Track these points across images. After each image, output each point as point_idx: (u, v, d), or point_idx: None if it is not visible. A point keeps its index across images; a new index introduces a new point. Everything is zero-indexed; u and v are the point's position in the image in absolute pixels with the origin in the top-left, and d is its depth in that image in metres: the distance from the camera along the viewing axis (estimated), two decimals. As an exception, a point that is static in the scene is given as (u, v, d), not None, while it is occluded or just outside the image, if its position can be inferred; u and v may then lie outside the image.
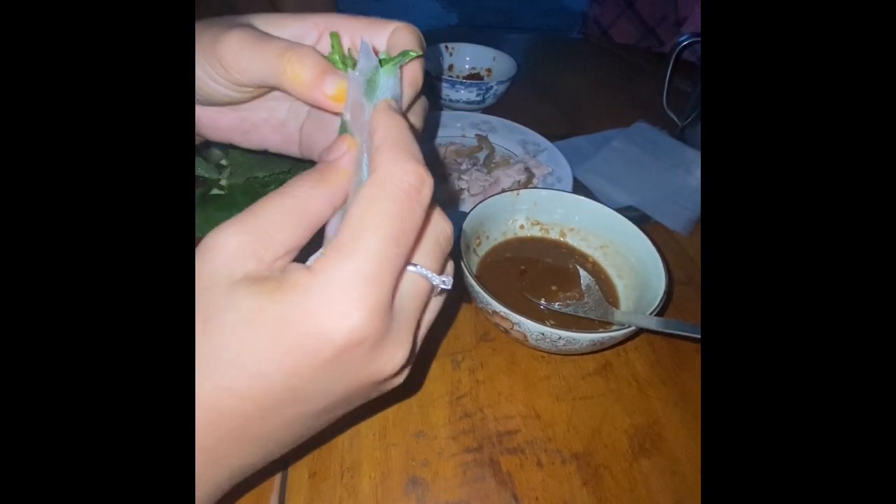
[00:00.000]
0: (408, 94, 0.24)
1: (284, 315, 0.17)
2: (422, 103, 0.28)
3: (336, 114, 0.23)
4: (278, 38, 0.23)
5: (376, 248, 0.18)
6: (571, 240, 0.47)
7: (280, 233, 0.19)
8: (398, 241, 0.18)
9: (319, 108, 0.23)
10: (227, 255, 0.18)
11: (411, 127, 0.22)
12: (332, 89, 0.22)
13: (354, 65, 0.23)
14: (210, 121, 0.28)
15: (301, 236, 0.20)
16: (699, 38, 0.62)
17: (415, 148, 0.20)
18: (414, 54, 0.24)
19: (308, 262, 0.20)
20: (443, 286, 0.21)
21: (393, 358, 0.19)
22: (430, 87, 0.66)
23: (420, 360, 0.21)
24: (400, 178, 0.18)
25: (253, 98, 0.27)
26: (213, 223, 0.45)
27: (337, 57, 0.24)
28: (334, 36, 0.24)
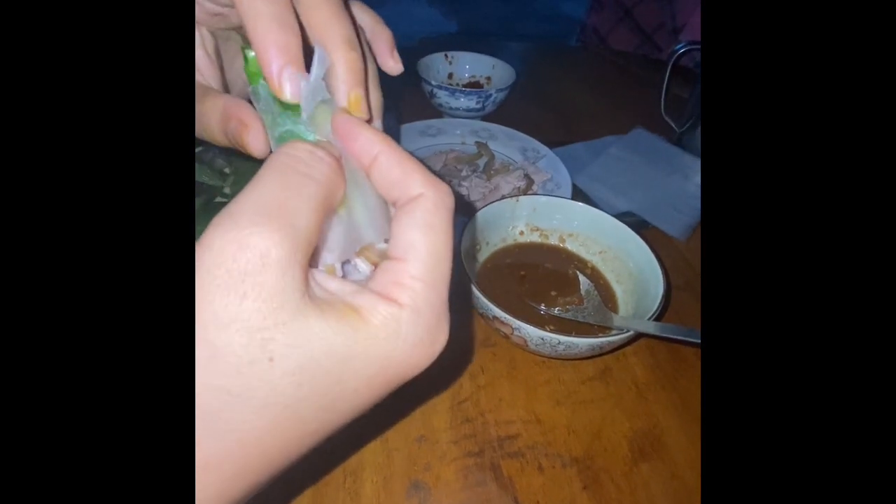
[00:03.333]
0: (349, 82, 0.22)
1: (390, 355, 0.17)
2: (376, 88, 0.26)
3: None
4: None
5: (448, 275, 0.19)
6: (571, 245, 0.47)
7: (314, 235, 0.17)
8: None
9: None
10: (274, 268, 0.15)
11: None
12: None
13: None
14: None
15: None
16: (696, 46, 0.63)
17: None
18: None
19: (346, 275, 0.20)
20: None
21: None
22: (430, 95, 0.67)
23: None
24: (446, 202, 0.19)
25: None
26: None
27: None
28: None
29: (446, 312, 0.19)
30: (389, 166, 0.19)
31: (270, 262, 0.15)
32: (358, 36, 0.22)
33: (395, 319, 0.17)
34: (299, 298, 0.16)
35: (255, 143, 0.22)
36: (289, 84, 0.19)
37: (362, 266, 0.21)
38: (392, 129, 0.57)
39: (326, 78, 0.21)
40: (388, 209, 0.21)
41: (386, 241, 0.20)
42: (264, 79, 0.20)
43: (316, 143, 0.19)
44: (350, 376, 0.16)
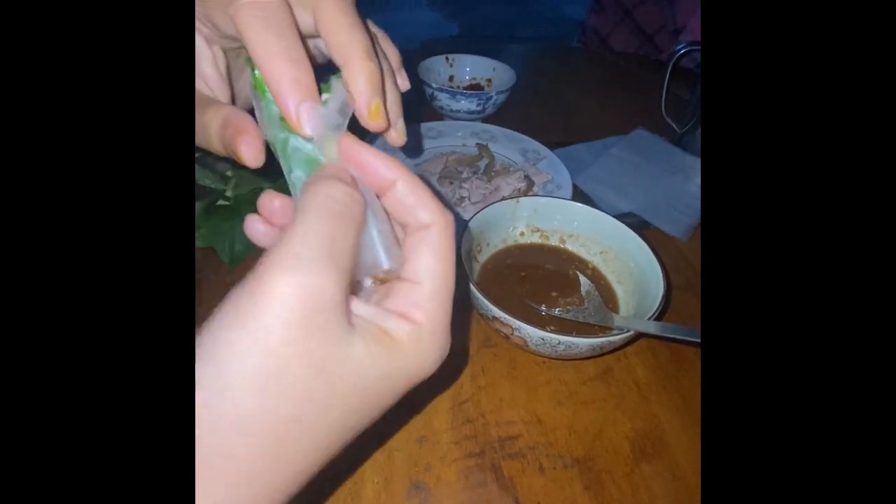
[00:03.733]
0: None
1: (413, 369, 0.20)
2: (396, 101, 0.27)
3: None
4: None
5: (453, 292, 0.21)
6: (571, 246, 0.48)
7: (352, 271, 0.19)
8: None
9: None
10: (330, 306, 0.17)
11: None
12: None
13: None
14: None
15: None
16: (697, 47, 0.63)
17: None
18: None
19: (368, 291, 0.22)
20: None
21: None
22: (431, 98, 0.67)
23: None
24: (452, 229, 0.21)
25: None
26: (219, 233, 0.46)
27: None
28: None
29: (450, 324, 0.21)
30: (405, 194, 0.21)
31: (329, 302, 0.17)
32: (373, 43, 0.23)
33: (418, 337, 0.20)
34: (348, 331, 0.18)
35: (249, 151, 0.22)
36: (307, 118, 0.20)
37: (367, 283, 0.22)
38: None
39: (346, 85, 0.22)
40: (395, 233, 0.22)
41: (394, 265, 0.21)
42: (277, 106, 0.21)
43: (348, 183, 0.20)
44: (385, 390, 0.19)
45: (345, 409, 0.18)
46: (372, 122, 0.23)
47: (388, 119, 0.24)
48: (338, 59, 0.22)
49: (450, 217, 0.21)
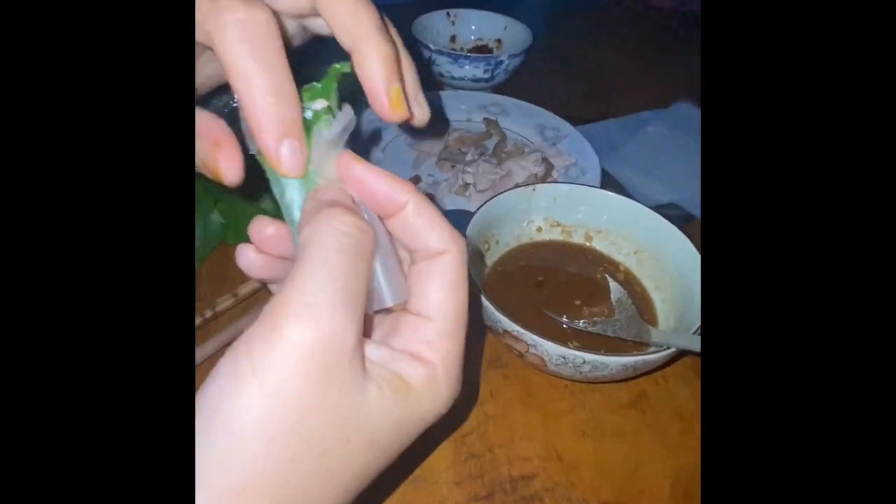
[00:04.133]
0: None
1: (427, 414, 0.22)
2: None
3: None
4: None
5: (466, 323, 0.23)
6: (599, 244, 0.47)
7: (363, 314, 0.21)
8: None
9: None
10: (348, 356, 0.19)
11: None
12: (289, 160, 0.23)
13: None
14: None
15: None
16: None
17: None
18: (340, 68, 0.24)
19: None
20: None
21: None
22: (430, 62, 0.67)
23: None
24: (465, 257, 0.23)
25: None
26: (214, 231, 0.47)
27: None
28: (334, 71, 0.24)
29: (463, 360, 0.23)
30: (415, 217, 0.22)
31: (347, 352, 0.19)
32: (384, 21, 0.24)
33: (433, 379, 0.22)
34: (364, 379, 0.20)
35: (229, 166, 0.22)
36: (288, 157, 0.22)
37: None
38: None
39: (357, 72, 0.23)
40: (402, 267, 0.24)
41: (399, 300, 0.23)
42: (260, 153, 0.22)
43: (356, 212, 0.22)
44: (403, 436, 0.22)
45: (362, 462, 0.20)
46: (394, 112, 0.24)
47: (408, 107, 0.25)
48: (345, 41, 0.23)
49: (463, 244, 0.23)
